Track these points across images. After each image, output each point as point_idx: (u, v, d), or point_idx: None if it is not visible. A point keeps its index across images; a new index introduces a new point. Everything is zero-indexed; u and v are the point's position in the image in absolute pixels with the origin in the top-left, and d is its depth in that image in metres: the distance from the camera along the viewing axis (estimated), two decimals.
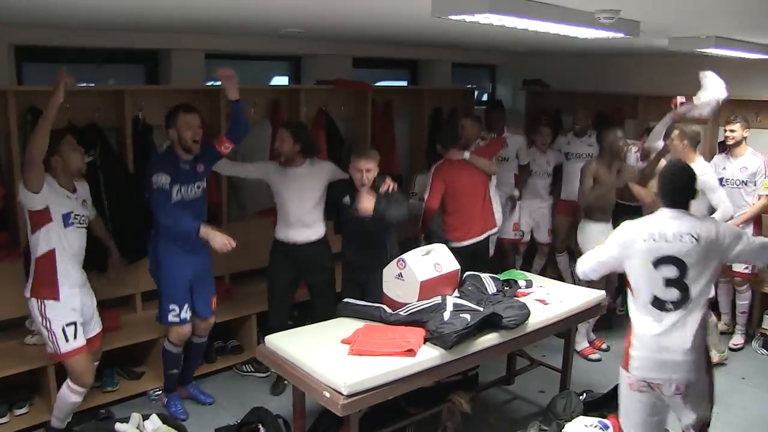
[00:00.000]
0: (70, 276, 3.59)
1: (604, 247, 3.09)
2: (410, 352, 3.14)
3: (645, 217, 3.05)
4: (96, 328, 3.81)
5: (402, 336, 3.25)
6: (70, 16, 3.58)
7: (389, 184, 4.14)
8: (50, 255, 3.51)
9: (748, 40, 4.36)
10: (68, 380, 3.66)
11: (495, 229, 5.07)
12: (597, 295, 4.24)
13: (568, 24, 2.96)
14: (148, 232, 4.05)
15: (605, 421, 3.74)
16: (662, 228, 2.88)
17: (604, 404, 4.07)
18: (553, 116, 6.82)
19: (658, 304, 2.89)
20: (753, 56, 4.84)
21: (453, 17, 2.68)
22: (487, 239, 4.97)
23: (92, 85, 4.75)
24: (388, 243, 4.29)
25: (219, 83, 5.26)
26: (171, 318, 3.96)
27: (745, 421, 4.34)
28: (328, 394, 2.95)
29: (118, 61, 4.97)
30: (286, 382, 4.36)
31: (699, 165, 4.58)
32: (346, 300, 3.82)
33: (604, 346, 5.30)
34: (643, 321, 2.94)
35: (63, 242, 3.53)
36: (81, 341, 3.61)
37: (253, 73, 5.96)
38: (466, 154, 4.73)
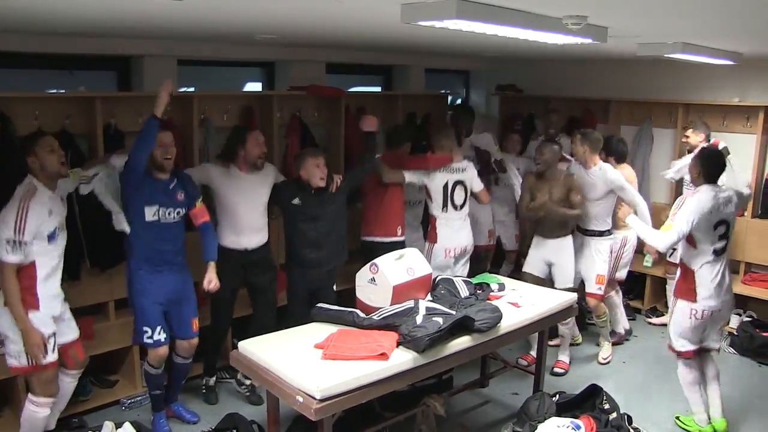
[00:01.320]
0: (51, 285, 3.52)
1: (682, 221, 3.84)
2: (383, 356, 3.15)
3: (700, 194, 3.89)
4: (73, 332, 3.72)
5: (375, 340, 3.27)
6: (39, 22, 3.55)
7: (336, 182, 4.38)
8: (31, 267, 3.42)
9: (714, 46, 4.44)
10: (30, 396, 3.56)
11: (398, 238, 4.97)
12: (569, 297, 4.30)
13: (537, 30, 2.99)
14: (121, 239, 4.02)
15: (577, 421, 3.78)
16: (716, 200, 3.86)
17: (577, 405, 4.13)
18: (527, 121, 6.90)
19: (715, 253, 3.93)
20: (718, 62, 4.93)
21: (422, 23, 2.70)
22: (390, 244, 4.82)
23: (62, 91, 4.72)
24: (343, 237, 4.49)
25: (192, 89, 5.30)
26: (145, 339, 3.87)
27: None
28: (301, 399, 2.95)
29: (89, 68, 4.92)
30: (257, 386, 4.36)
31: (602, 167, 4.81)
32: (319, 305, 3.82)
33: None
34: (705, 268, 3.94)
35: (45, 255, 3.46)
36: (55, 355, 3.53)
37: (226, 79, 5.95)
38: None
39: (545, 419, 3.87)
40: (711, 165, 3.94)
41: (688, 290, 3.99)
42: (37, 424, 3.62)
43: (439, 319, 3.38)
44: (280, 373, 3.14)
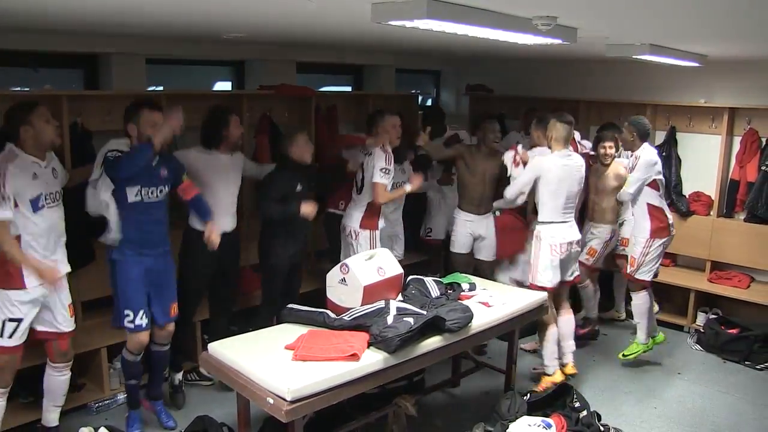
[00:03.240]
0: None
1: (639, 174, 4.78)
2: (354, 357, 3.14)
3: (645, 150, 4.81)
4: (67, 325, 3.65)
5: (345, 341, 3.26)
6: (3, 18, 3.47)
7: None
8: (16, 241, 3.34)
9: (680, 48, 4.51)
10: None
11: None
12: (539, 296, 4.32)
13: (507, 30, 3.00)
14: (89, 239, 3.95)
15: (548, 420, 3.81)
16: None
17: (548, 403, 4.16)
18: (497, 121, 6.91)
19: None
20: (684, 63, 5.01)
21: (393, 23, 2.70)
22: None
23: (27, 89, 4.63)
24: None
25: (161, 88, 5.24)
26: (126, 323, 3.80)
27: (681, 414, 4.50)
28: (271, 401, 2.93)
29: (55, 65, 4.84)
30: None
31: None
32: (290, 306, 3.79)
33: None
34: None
35: (31, 228, 3.38)
36: (16, 341, 3.44)
37: (196, 78, 5.90)
38: None
39: (516, 418, 3.89)
40: (642, 127, 4.86)
41: (663, 228, 4.87)
42: None
43: (410, 320, 3.38)
44: (250, 375, 3.11)
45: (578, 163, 4.62)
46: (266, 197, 4.35)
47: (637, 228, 5.01)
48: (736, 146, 5.85)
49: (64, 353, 3.71)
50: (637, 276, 4.97)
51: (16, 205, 3.30)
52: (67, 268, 3.65)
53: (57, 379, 3.74)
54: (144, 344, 3.91)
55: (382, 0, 2.58)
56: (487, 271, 5.20)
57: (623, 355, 5.18)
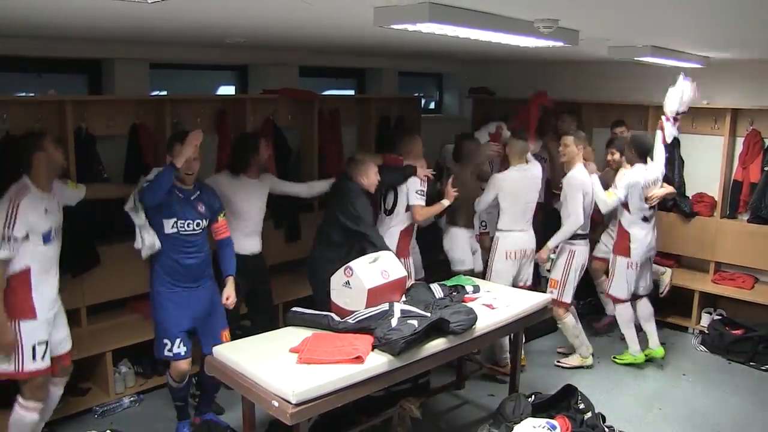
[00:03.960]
0: (46, 291, 3.50)
1: (620, 191, 4.84)
2: (358, 360, 3.14)
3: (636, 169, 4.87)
4: (67, 345, 3.71)
5: (350, 343, 3.26)
6: (8, 24, 3.49)
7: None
8: (25, 273, 3.40)
9: (682, 50, 4.51)
10: (20, 399, 3.54)
11: None
12: (543, 298, 4.33)
13: (508, 33, 3.01)
14: (93, 244, 3.95)
15: (553, 421, 3.81)
16: (647, 175, 4.88)
17: (552, 405, 4.15)
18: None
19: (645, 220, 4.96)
20: (687, 65, 5.01)
21: (395, 26, 2.71)
22: None
23: (32, 94, 4.65)
24: None
25: (164, 93, 5.26)
26: (165, 353, 3.80)
27: (685, 416, 4.50)
28: (276, 404, 2.93)
29: (59, 71, 4.86)
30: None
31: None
32: (294, 309, 3.80)
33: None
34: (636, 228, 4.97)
35: (40, 258, 3.44)
36: (47, 361, 3.51)
37: (199, 82, 5.92)
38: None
39: (521, 420, 3.88)
40: (642, 147, 4.94)
41: (624, 248, 4.98)
42: (23, 429, 3.59)
43: (414, 322, 3.38)
44: (255, 378, 3.11)
45: (535, 174, 4.99)
46: (362, 220, 4.33)
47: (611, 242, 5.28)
48: (739, 147, 5.86)
49: (66, 369, 3.78)
50: (610, 292, 5.19)
51: (27, 238, 3.36)
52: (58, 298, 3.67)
53: (55, 392, 3.78)
54: (185, 373, 3.89)
55: (385, 4, 2.60)
56: None
57: (614, 358, 5.35)
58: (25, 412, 3.54)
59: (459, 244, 5.16)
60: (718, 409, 4.60)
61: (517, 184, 4.84)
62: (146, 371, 4.65)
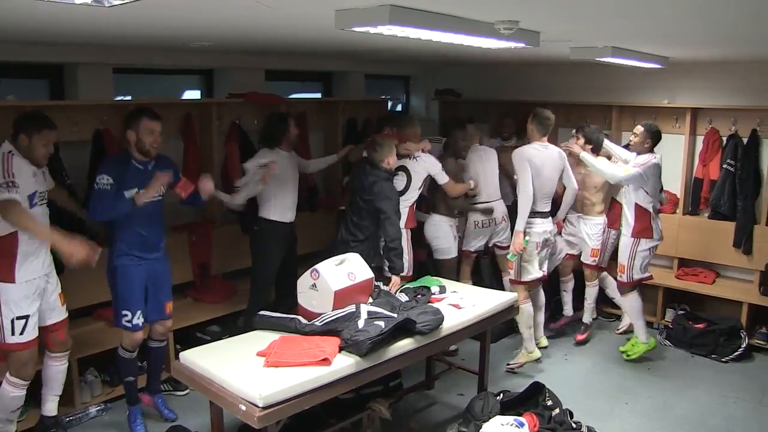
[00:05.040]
0: (32, 261, 3.56)
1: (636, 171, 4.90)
2: (325, 362, 3.15)
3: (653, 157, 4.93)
4: (58, 315, 3.79)
5: (317, 346, 3.27)
6: None
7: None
8: (12, 237, 3.47)
9: (642, 50, 4.59)
10: (7, 374, 3.60)
11: None
12: (509, 297, 4.37)
13: (470, 35, 3.04)
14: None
15: (520, 419, 3.84)
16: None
17: (520, 403, 4.19)
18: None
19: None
20: (647, 65, 5.10)
21: (357, 29, 2.73)
22: None
23: None
24: None
25: (129, 98, 5.22)
26: (123, 323, 3.95)
27: (651, 409, 4.58)
28: (244, 408, 2.93)
29: (19, 75, 4.78)
30: None
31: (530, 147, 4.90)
32: (262, 312, 3.80)
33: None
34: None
35: None
36: (29, 336, 3.59)
37: (165, 87, 5.87)
38: None
39: (489, 418, 3.92)
40: (655, 136, 5.00)
41: (647, 229, 5.00)
42: (7, 403, 3.65)
43: (381, 323, 3.40)
44: (222, 382, 3.11)
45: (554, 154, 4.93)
46: (391, 201, 4.53)
47: (624, 227, 5.16)
48: (700, 145, 5.98)
49: (63, 342, 3.85)
50: (626, 279, 5.13)
51: None
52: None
53: (56, 368, 3.87)
54: (139, 342, 4.07)
55: (346, 7, 2.61)
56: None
57: (627, 355, 5.33)
58: (10, 388, 3.62)
59: (443, 232, 5.25)
60: (682, 401, 4.69)
61: (538, 159, 4.79)
62: (113, 379, 4.58)
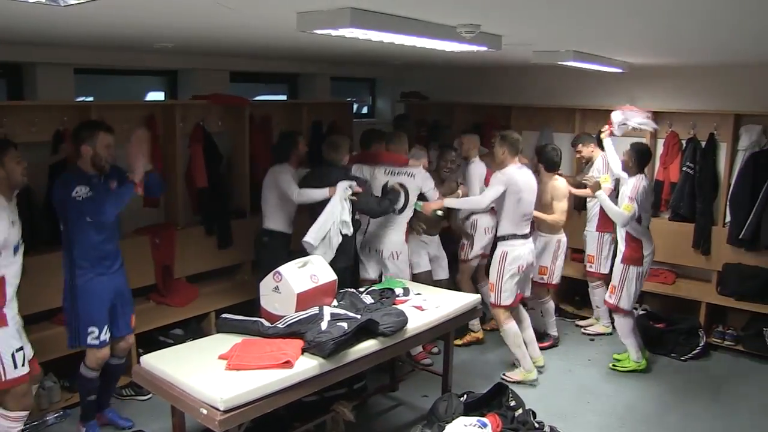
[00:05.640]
0: (14, 299, 3.49)
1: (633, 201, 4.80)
2: (287, 364, 3.14)
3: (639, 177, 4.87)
4: (30, 350, 3.66)
5: (279, 348, 3.25)
6: None
7: None
8: (1, 282, 3.39)
9: (603, 55, 4.67)
10: (2, 410, 3.48)
11: None
12: (472, 299, 4.40)
13: (432, 38, 3.06)
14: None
15: (484, 419, 3.87)
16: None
17: (484, 404, 4.23)
18: (432, 128, 7.00)
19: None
20: (609, 70, 5.18)
21: (318, 31, 2.73)
22: None
23: None
24: None
25: (90, 99, 5.13)
26: (90, 341, 3.84)
27: (613, 408, 4.65)
28: (205, 411, 2.91)
29: None
30: None
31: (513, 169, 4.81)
32: (224, 315, 3.77)
33: (435, 350, 5.43)
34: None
35: (12, 268, 3.43)
36: (27, 368, 3.50)
37: (127, 88, 5.80)
38: None
39: (453, 419, 3.94)
40: (642, 157, 4.94)
41: (637, 258, 4.97)
42: None
43: (344, 324, 3.40)
44: (183, 387, 3.08)
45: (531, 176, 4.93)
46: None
47: (619, 247, 5.15)
48: (660, 148, 6.08)
49: (37, 376, 3.81)
50: (614, 302, 5.10)
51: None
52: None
53: None
54: (105, 359, 3.98)
55: (307, 9, 2.61)
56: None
57: (614, 365, 5.32)
58: (9, 423, 3.50)
59: (414, 247, 5.24)
60: (643, 400, 4.77)
61: (521, 181, 4.77)
62: (74, 385, 4.51)
